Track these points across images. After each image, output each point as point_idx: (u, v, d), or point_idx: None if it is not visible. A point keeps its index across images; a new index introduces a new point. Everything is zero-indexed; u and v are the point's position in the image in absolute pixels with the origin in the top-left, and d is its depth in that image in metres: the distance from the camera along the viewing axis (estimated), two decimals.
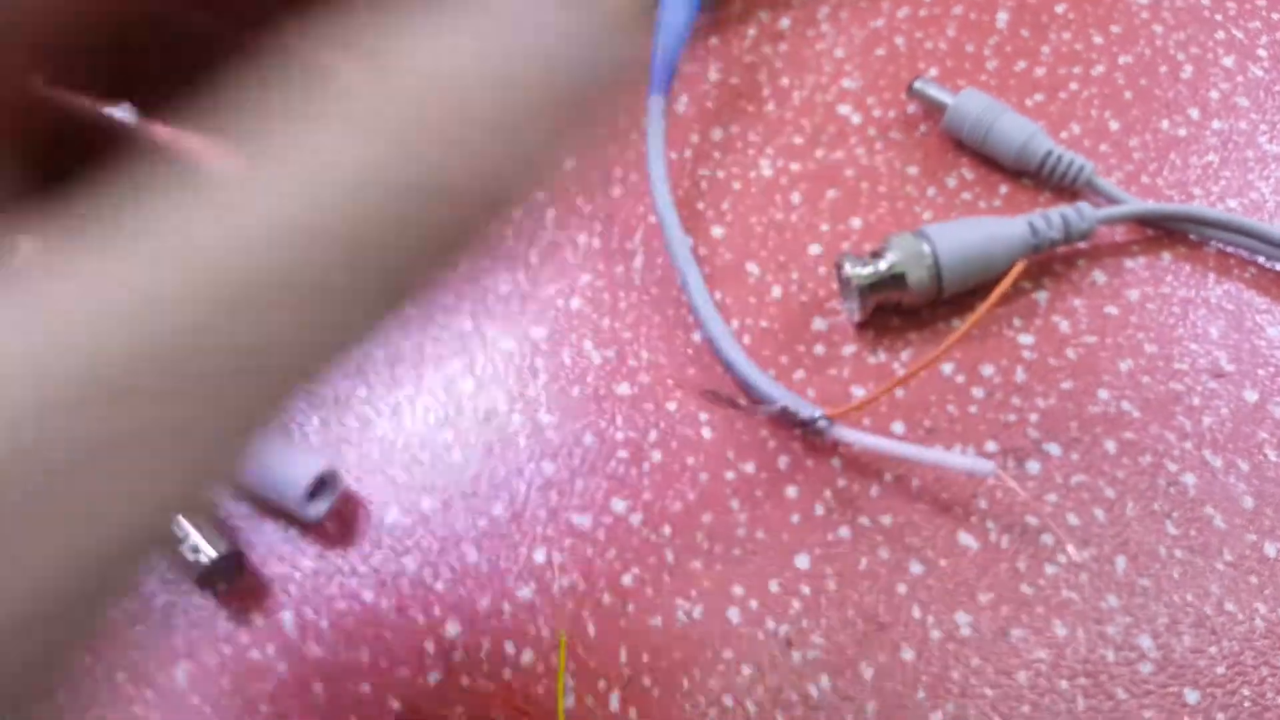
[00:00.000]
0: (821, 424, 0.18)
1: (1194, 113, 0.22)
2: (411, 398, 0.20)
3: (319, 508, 0.18)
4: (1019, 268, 0.17)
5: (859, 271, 0.19)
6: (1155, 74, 0.22)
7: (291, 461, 0.18)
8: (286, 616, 0.18)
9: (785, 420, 0.18)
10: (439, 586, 0.18)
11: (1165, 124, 0.21)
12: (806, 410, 0.18)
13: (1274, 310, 0.19)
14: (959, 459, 0.17)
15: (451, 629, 0.18)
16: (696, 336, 0.20)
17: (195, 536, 0.18)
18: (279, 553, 0.18)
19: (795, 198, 0.21)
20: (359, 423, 0.20)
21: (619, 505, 0.18)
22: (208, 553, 0.18)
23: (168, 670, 0.18)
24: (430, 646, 0.17)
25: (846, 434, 0.18)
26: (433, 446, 0.19)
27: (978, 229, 0.19)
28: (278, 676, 0.17)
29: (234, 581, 0.18)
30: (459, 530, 0.18)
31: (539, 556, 0.18)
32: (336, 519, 0.19)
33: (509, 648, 0.17)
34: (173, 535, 0.18)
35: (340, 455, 0.19)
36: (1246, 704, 0.16)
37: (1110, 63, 0.22)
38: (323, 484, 0.18)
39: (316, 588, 0.18)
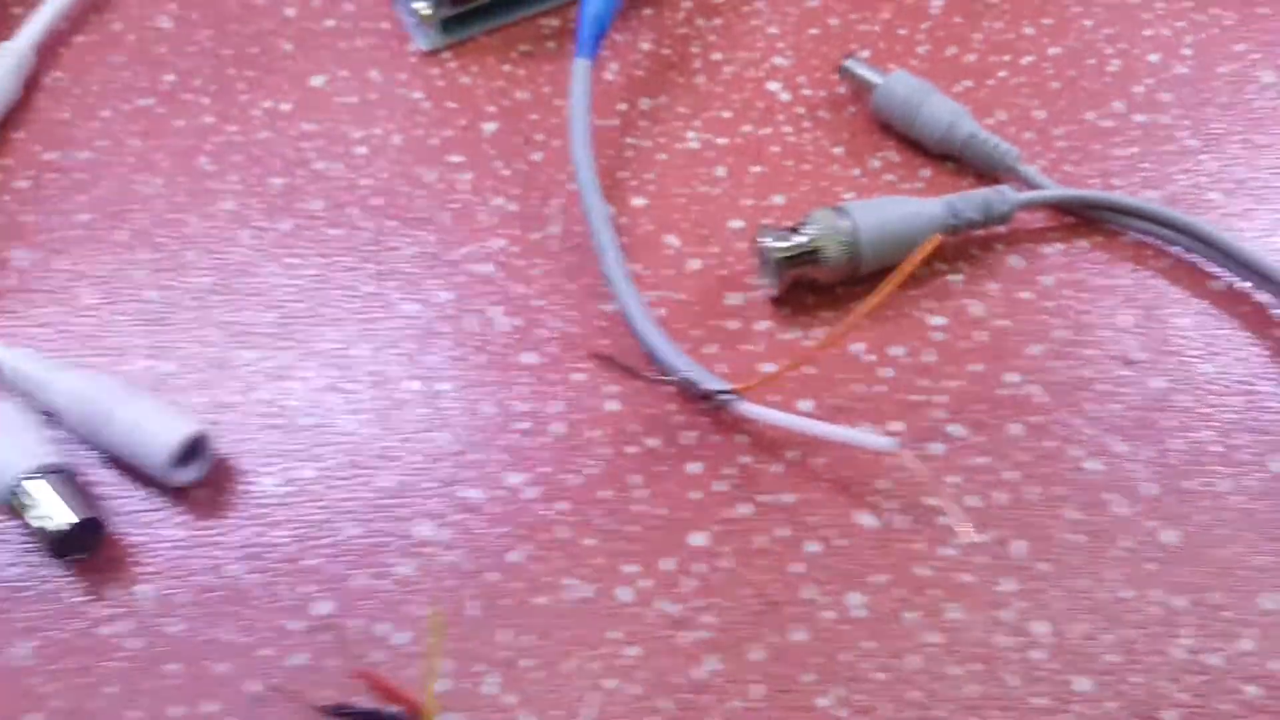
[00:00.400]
0: (726, 398, 0.17)
1: (1119, 105, 0.22)
2: (300, 360, 0.19)
3: (188, 474, 0.18)
4: (934, 241, 0.17)
5: (776, 244, 0.19)
6: (1083, 66, 0.22)
7: (159, 423, 0.17)
8: (145, 590, 0.17)
9: (689, 393, 0.18)
10: (312, 561, 0.17)
11: (1090, 115, 0.22)
12: (711, 383, 0.17)
13: (1187, 301, 0.20)
14: (862, 435, 0.17)
15: (322, 607, 0.17)
16: (610, 307, 0.20)
17: (47, 502, 0.17)
18: (143, 521, 0.18)
19: (720, 171, 0.21)
20: (240, 384, 0.19)
21: (514, 479, 0.18)
22: (61, 520, 0.16)
23: (8, 648, 0.16)
24: (297, 626, 0.17)
25: (750, 409, 0.17)
26: (318, 413, 0.19)
27: (897, 207, 0.19)
28: (130, 655, 0.16)
29: (92, 551, 0.17)
30: (339, 502, 0.18)
31: (423, 531, 0.17)
32: (208, 487, 0.18)
33: (382, 628, 0.17)
34: (22, 500, 0.17)
35: (218, 419, 0.18)
36: (1138, 693, 0.16)
37: (1040, 53, 0.23)
38: (194, 449, 0.18)
39: (180, 560, 0.17)
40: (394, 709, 0.15)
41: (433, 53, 0.23)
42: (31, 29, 0.23)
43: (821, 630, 0.17)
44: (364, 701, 0.16)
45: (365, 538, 0.17)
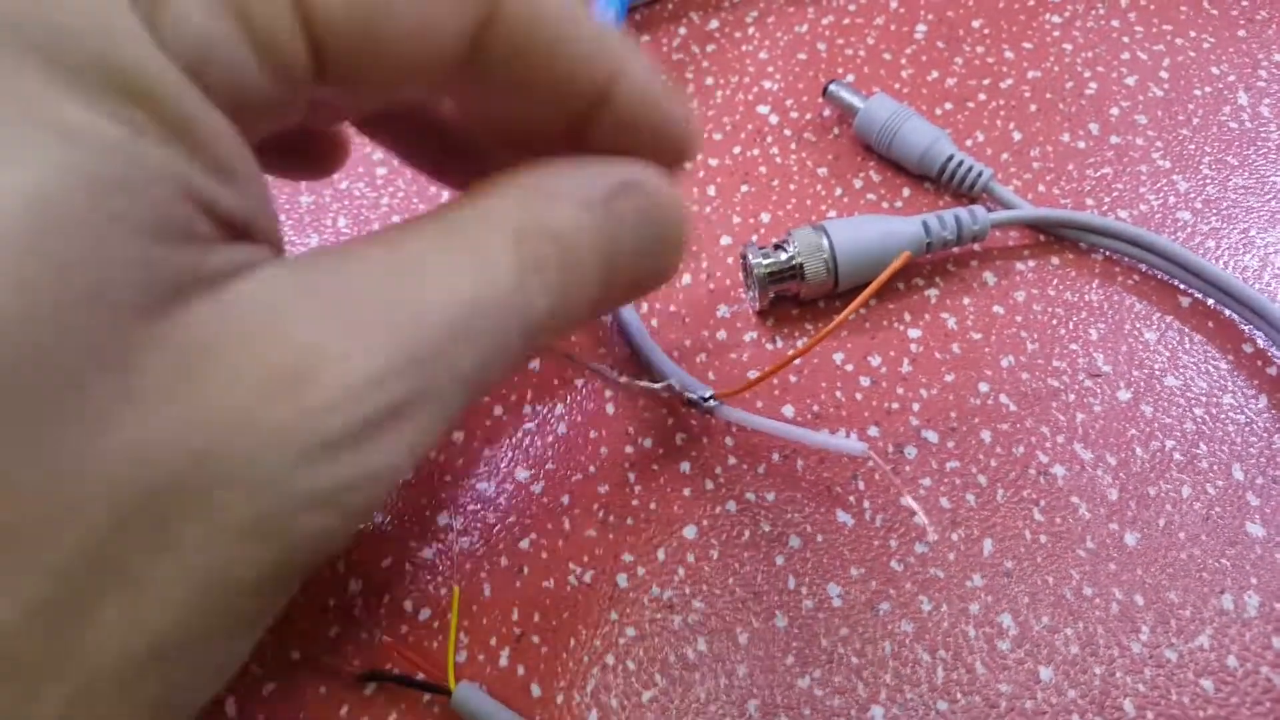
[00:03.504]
0: (710, 403, 0.20)
1: (1094, 127, 0.25)
2: None
3: None
4: (904, 257, 0.20)
5: (760, 261, 0.22)
6: (1061, 89, 0.25)
7: None
8: None
9: (675, 398, 0.21)
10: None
11: (1066, 136, 0.24)
12: (696, 389, 0.20)
13: (1152, 316, 0.22)
14: (833, 439, 0.19)
15: (354, 585, 0.20)
16: (608, 318, 0.23)
17: None
18: None
19: (711, 191, 0.24)
20: None
21: (522, 474, 0.21)
22: None
23: None
24: (332, 601, 0.20)
25: (733, 413, 0.20)
26: None
27: (874, 226, 0.22)
28: None
29: None
30: None
31: (442, 519, 0.21)
32: None
33: (408, 605, 0.20)
34: None
35: None
36: (1096, 682, 0.18)
37: (1019, 76, 0.25)
38: None
39: None
40: (420, 676, 0.19)
41: None
42: None
43: (802, 617, 0.19)
44: (393, 669, 0.19)
45: (391, 525, 0.21)
